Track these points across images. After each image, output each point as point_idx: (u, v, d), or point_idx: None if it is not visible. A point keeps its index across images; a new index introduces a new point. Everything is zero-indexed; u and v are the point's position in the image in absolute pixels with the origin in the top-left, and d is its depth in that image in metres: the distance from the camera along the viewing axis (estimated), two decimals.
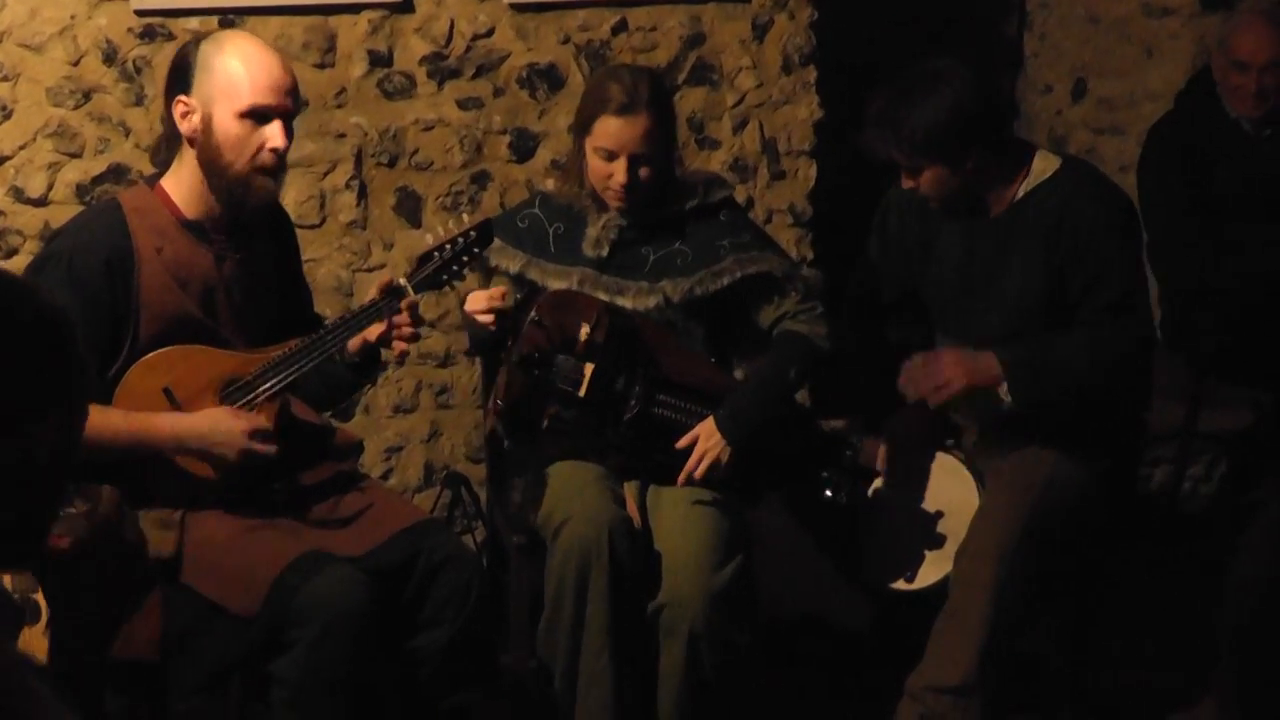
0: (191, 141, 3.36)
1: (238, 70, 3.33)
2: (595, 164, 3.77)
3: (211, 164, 3.36)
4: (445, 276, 3.53)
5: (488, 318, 3.69)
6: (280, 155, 3.39)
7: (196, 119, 3.34)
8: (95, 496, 2.36)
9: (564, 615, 3.62)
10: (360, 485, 3.57)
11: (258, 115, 3.34)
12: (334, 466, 3.57)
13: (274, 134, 3.36)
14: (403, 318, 3.45)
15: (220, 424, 3.30)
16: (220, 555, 3.24)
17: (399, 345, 3.48)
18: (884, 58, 4.11)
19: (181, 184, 3.41)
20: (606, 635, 3.60)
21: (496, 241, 3.84)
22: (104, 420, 3.25)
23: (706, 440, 3.73)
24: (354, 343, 3.48)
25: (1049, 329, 3.82)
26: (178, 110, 3.35)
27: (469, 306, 3.73)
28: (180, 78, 3.37)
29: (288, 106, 3.38)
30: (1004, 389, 3.76)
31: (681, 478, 3.73)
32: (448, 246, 3.53)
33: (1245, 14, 4.82)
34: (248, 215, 3.45)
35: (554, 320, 3.72)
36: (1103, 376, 3.79)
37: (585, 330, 3.71)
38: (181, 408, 3.32)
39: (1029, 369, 3.76)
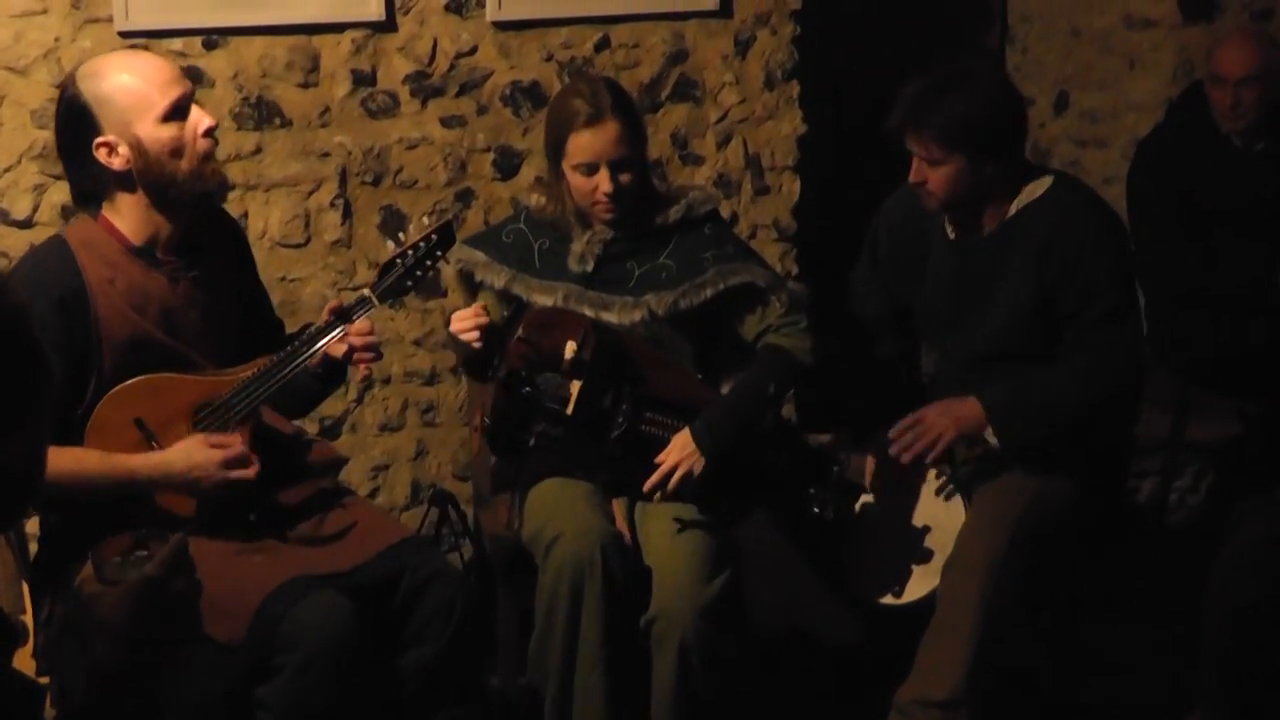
0: (127, 174, 3.30)
1: (132, 83, 3.29)
2: (577, 182, 3.77)
3: (158, 181, 3.31)
4: (410, 283, 3.51)
5: (473, 334, 3.68)
6: (214, 135, 3.36)
7: (124, 149, 3.28)
8: (157, 547, 2.34)
9: (556, 632, 3.61)
10: (343, 502, 3.55)
11: (178, 111, 3.31)
12: (314, 484, 3.54)
13: (199, 119, 3.34)
14: (361, 339, 3.44)
15: (195, 456, 3.27)
16: (204, 583, 3.23)
17: (362, 369, 3.48)
18: (866, 73, 4.13)
19: (123, 215, 3.35)
20: (600, 650, 3.60)
21: (482, 257, 3.85)
22: (80, 463, 3.22)
23: (681, 451, 3.72)
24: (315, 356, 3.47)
25: (1040, 348, 3.82)
26: (101, 153, 3.27)
27: (453, 327, 3.72)
28: (83, 124, 3.29)
29: (192, 88, 3.37)
30: (989, 433, 3.77)
31: (648, 485, 3.71)
32: (410, 253, 3.50)
33: (1231, 30, 4.86)
34: (204, 211, 3.43)
35: (540, 338, 3.72)
36: (1089, 408, 3.79)
37: (571, 348, 3.71)
38: (155, 437, 3.29)
39: (1012, 412, 3.75)
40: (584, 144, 3.72)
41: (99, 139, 3.28)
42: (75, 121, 3.30)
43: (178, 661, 2.29)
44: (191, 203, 3.37)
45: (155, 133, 3.28)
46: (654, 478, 3.71)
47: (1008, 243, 3.83)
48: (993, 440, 3.77)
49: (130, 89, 3.28)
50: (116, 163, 3.29)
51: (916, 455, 3.76)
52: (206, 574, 3.19)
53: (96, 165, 3.30)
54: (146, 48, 4.39)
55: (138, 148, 3.28)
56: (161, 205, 3.35)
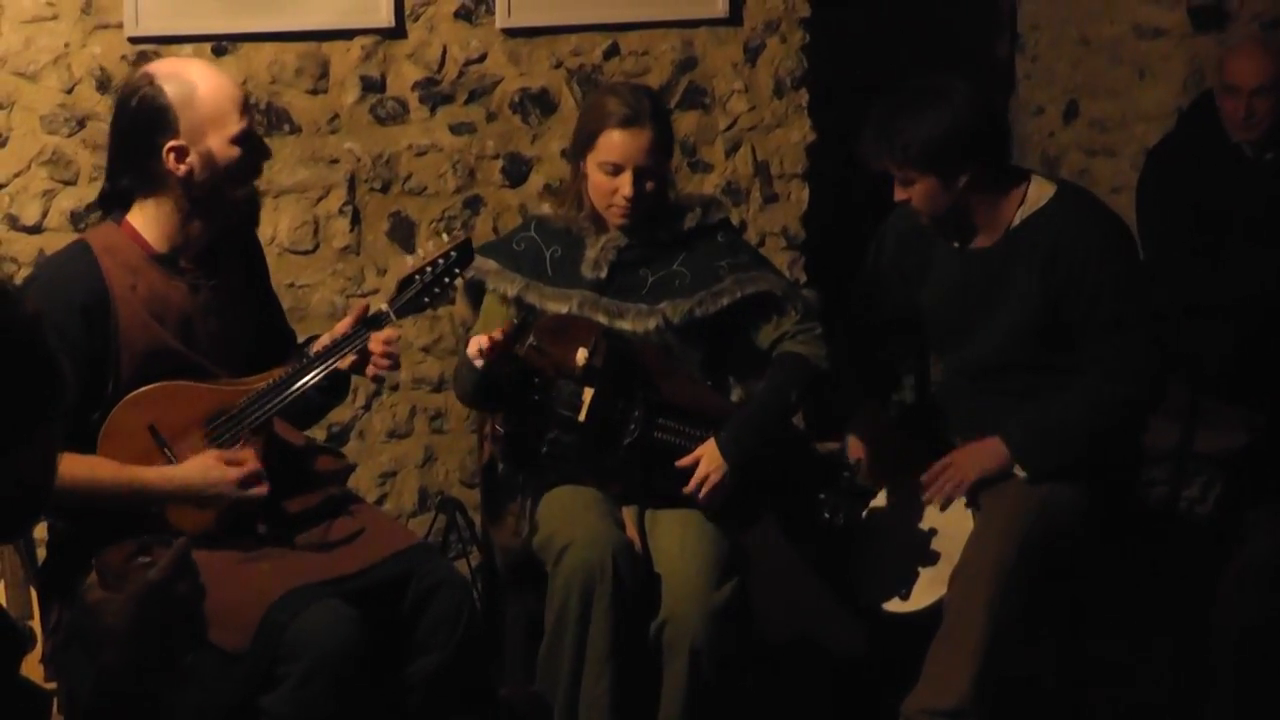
0: (184, 181, 3.29)
1: (215, 95, 3.29)
2: (598, 180, 3.77)
3: (210, 196, 3.31)
4: (427, 300, 3.50)
5: (473, 350, 3.64)
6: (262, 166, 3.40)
7: (193, 157, 3.28)
8: (160, 552, 2.35)
9: (566, 640, 3.61)
10: (350, 509, 3.54)
11: (248, 137, 3.33)
12: (323, 491, 3.53)
13: (261, 147, 3.38)
14: (379, 347, 3.44)
15: (211, 473, 3.26)
16: (209, 590, 3.22)
17: (374, 371, 3.47)
18: (876, 80, 4.12)
19: (152, 220, 3.35)
20: (608, 660, 3.60)
21: (494, 265, 3.84)
22: (92, 473, 3.22)
23: (710, 463, 3.72)
24: None
25: (1046, 358, 3.82)
26: (170, 157, 3.27)
27: (471, 350, 3.67)
28: (159, 121, 3.27)
29: (254, 114, 3.39)
30: (1017, 468, 3.82)
31: (686, 489, 3.71)
32: (428, 269, 3.50)
33: (1242, 39, 4.86)
34: (233, 227, 3.44)
35: (552, 345, 3.72)
36: (1109, 424, 3.81)
37: (583, 354, 3.70)
38: (168, 444, 3.29)
39: (1034, 447, 3.80)
40: (614, 143, 3.73)
41: (172, 141, 3.27)
42: (149, 119, 3.29)
43: (183, 669, 2.29)
44: (232, 217, 3.39)
45: (225, 151, 3.30)
46: (690, 489, 3.71)
47: (1013, 252, 3.84)
48: (1022, 474, 3.80)
49: (212, 101, 3.29)
50: (181, 168, 3.29)
51: (946, 495, 3.86)
52: (212, 582, 3.18)
53: (159, 166, 3.29)
54: (158, 54, 4.40)
55: (207, 158, 3.29)
56: (201, 217, 3.35)
